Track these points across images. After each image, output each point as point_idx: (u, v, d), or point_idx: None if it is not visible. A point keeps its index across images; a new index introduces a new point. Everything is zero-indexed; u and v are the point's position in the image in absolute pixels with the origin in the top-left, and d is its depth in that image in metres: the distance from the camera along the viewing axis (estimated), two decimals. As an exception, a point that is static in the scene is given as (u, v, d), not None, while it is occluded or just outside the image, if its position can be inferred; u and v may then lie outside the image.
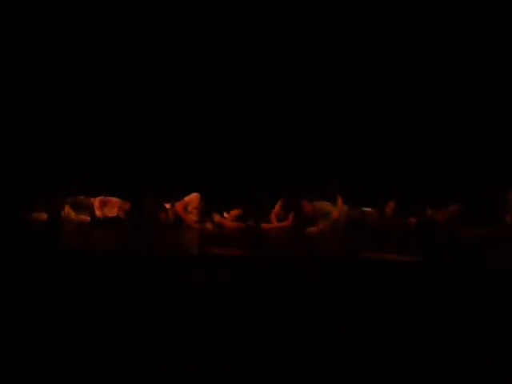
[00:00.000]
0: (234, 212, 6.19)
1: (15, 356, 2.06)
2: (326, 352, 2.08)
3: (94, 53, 6.88)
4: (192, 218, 5.91)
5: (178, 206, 5.98)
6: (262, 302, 2.40)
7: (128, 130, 6.91)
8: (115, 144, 6.85)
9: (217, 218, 6.04)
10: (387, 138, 6.80)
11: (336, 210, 5.80)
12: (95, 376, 1.98)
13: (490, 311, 2.32)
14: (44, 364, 2.02)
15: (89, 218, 6.00)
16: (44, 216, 5.96)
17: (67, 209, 6.00)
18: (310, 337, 2.18)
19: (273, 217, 6.12)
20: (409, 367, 1.99)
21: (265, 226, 6.04)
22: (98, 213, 6.08)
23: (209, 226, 5.89)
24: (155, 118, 7.02)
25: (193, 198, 5.99)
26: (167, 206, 6.09)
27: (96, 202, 6.10)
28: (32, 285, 2.51)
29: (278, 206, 6.20)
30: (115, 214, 6.12)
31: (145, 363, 2.02)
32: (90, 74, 6.84)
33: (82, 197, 6.12)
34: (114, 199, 6.17)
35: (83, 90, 6.84)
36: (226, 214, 6.22)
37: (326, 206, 6.00)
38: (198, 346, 2.13)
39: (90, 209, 6.06)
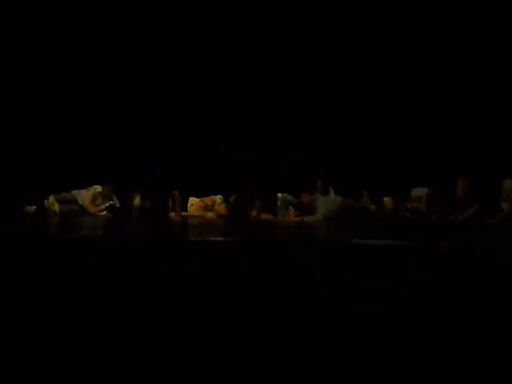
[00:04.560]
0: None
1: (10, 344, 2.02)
2: (325, 339, 2.04)
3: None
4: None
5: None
6: (258, 288, 2.36)
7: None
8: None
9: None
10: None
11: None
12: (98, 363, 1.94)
13: (486, 296, 2.29)
14: (42, 349, 1.98)
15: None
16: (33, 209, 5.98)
17: (51, 199, 6.01)
18: (307, 324, 2.14)
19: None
20: (406, 349, 1.95)
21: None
22: (90, 204, 6.08)
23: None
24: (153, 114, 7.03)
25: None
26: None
27: (89, 193, 6.10)
28: (32, 271, 2.47)
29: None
30: (108, 204, 6.13)
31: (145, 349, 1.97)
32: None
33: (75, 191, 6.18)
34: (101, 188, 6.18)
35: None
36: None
37: (324, 200, 5.99)
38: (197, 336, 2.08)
39: (77, 202, 6.10)
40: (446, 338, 2.02)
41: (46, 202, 6.05)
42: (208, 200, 6.42)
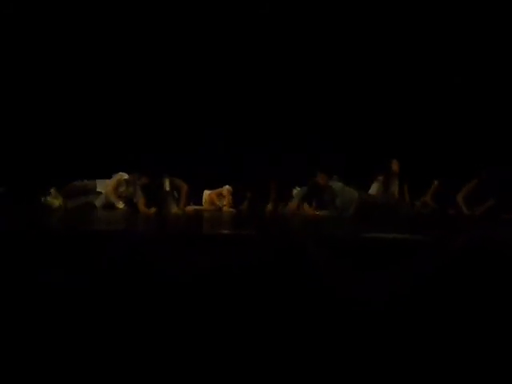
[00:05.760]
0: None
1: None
2: (331, 335, 2.04)
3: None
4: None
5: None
6: (268, 281, 2.36)
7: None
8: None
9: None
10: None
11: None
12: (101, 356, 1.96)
13: (496, 290, 2.27)
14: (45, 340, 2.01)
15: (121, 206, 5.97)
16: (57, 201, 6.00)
17: (53, 192, 5.97)
18: (316, 318, 2.14)
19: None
20: (413, 343, 1.94)
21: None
22: (113, 191, 6.03)
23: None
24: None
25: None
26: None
27: (114, 180, 6.04)
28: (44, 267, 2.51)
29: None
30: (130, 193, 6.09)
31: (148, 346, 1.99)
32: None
33: (86, 181, 6.16)
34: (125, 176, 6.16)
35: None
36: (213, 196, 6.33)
37: (339, 187, 5.94)
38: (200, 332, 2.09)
39: (94, 191, 6.07)
40: (453, 332, 2.00)
41: (47, 195, 6.00)
42: (217, 192, 6.41)
